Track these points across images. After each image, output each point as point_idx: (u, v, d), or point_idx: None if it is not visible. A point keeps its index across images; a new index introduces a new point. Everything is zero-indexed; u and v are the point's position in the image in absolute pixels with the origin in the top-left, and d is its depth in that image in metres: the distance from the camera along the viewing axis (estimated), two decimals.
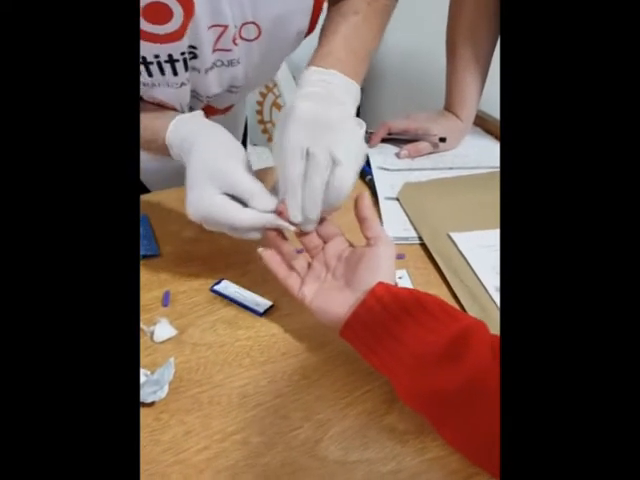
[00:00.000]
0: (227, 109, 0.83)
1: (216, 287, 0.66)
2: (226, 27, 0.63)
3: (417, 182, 0.85)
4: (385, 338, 0.51)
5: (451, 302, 0.64)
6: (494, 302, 0.62)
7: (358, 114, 0.61)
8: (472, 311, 0.61)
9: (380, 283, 0.53)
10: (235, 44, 0.66)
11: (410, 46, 1.57)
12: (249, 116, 1.19)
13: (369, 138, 0.94)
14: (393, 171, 0.88)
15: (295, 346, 0.59)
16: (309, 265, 0.60)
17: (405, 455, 0.49)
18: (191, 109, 0.74)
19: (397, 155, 0.92)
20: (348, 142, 0.55)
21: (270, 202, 0.57)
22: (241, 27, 0.65)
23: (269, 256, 0.60)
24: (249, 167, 0.59)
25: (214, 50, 0.65)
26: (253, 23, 0.65)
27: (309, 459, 0.48)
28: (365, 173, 0.87)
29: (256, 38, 0.67)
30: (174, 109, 0.70)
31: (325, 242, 0.60)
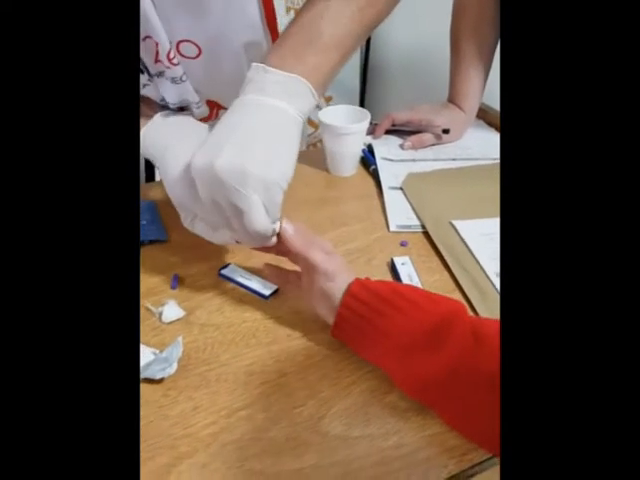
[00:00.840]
0: (205, 120, 0.75)
1: (223, 271, 0.67)
2: (157, 43, 0.59)
3: (421, 172, 0.86)
4: (371, 333, 0.52)
5: (452, 287, 0.66)
6: (494, 287, 0.63)
7: (362, 105, 0.60)
8: (472, 295, 0.63)
9: (355, 281, 0.54)
10: (172, 62, 0.62)
11: (413, 40, 1.59)
12: None
13: (373, 129, 0.95)
14: (397, 162, 0.89)
15: (300, 328, 0.61)
16: None
17: (406, 431, 0.50)
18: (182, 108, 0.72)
19: (401, 146, 0.93)
20: (243, 187, 0.51)
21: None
22: (178, 44, 0.62)
23: (271, 271, 0.63)
24: None
25: (156, 61, 0.62)
26: (189, 41, 0.62)
27: (312, 434, 0.50)
28: (369, 163, 0.88)
29: (197, 56, 0.64)
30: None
31: None
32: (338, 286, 0.55)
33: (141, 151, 0.64)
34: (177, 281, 0.67)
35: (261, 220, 0.53)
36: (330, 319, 0.57)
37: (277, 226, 0.56)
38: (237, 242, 0.60)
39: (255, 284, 0.66)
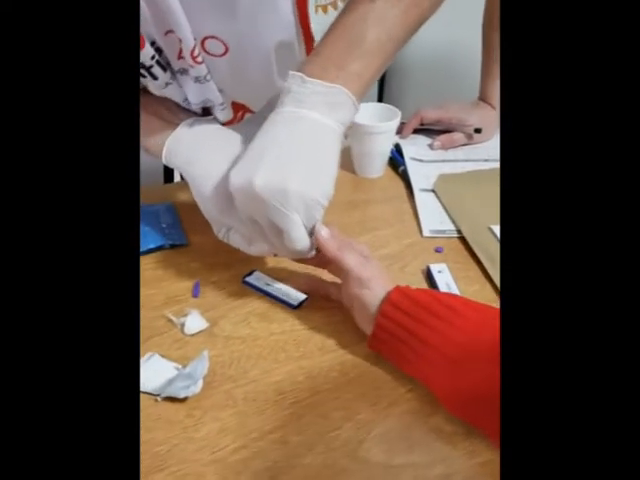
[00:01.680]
0: (229, 123, 0.70)
1: (248, 278, 0.63)
2: (180, 39, 0.55)
3: (454, 174, 0.82)
4: (412, 344, 0.49)
5: (494, 297, 0.61)
6: None
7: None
8: None
9: (395, 289, 0.51)
10: (196, 60, 0.57)
11: (435, 36, 1.54)
12: None
13: (401, 128, 0.91)
14: (426, 162, 0.85)
15: (332, 341, 0.57)
16: None
17: (454, 459, 0.46)
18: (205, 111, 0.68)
19: (430, 146, 0.89)
20: (283, 205, 0.50)
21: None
22: (203, 41, 0.57)
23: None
24: None
25: (179, 57, 0.58)
26: (215, 38, 0.57)
27: (351, 461, 0.46)
28: (398, 164, 0.84)
29: (224, 54, 0.59)
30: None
31: None
32: (373, 293, 0.51)
33: (164, 160, 0.62)
34: (199, 289, 0.63)
35: (301, 238, 0.51)
36: (367, 329, 0.53)
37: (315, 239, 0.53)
38: (275, 255, 0.58)
39: (282, 293, 0.61)
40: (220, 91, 0.62)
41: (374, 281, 0.52)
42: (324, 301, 0.60)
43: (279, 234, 0.51)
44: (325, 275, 0.60)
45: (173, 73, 0.59)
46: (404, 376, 0.52)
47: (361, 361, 0.54)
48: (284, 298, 0.61)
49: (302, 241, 0.52)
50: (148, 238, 0.69)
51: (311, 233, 0.53)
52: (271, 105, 0.55)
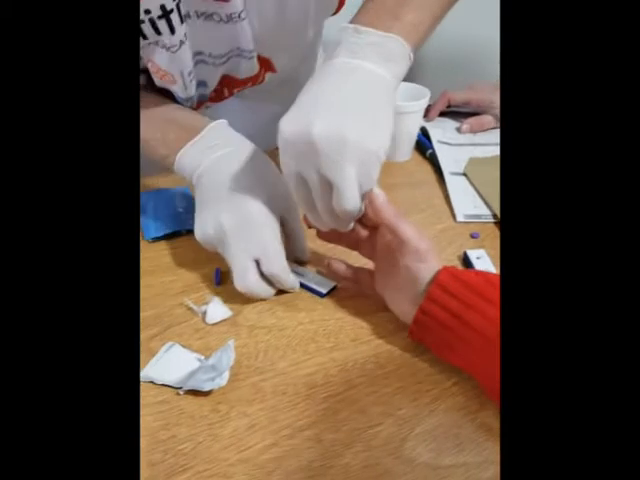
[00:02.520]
0: (251, 80, 0.69)
1: None
2: None
3: (485, 157, 0.77)
4: (460, 331, 0.44)
5: None
6: None
7: None
8: None
9: (443, 269, 0.47)
10: None
11: (451, 22, 1.49)
12: None
13: (426, 111, 0.87)
14: (454, 146, 0.81)
15: (365, 331, 0.52)
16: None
17: None
18: (201, 83, 0.64)
19: (457, 129, 0.85)
20: (341, 157, 0.44)
21: (293, 283, 0.55)
22: None
23: (336, 268, 0.55)
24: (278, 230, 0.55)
25: None
26: None
27: (395, 461, 0.41)
28: (425, 147, 0.80)
29: None
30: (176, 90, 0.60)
31: (376, 229, 0.52)
32: (429, 267, 0.47)
33: (175, 169, 0.58)
34: (220, 276, 0.58)
35: (353, 197, 0.46)
36: (408, 313, 0.48)
37: (363, 207, 0.48)
38: (309, 226, 0.53)
39: (309, 280, 0.57)
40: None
41: (431, 255, 0.48)
42: (354, 289, 0.56)
43: (328, 192, 0.46)
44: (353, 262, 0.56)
45: (190, 17, 0.55)
46: (447, 369, 0.48)
47: (399, 353, 0.50)
48: (311, 286, 0.57)
49: (354, 201, 0.46)
50: (164, 223, 0.64)
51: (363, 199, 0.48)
52: None
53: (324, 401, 0.46)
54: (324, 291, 0.56)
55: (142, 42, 0.54)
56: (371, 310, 0.54)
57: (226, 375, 0.46)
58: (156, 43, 0.54)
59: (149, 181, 0.72)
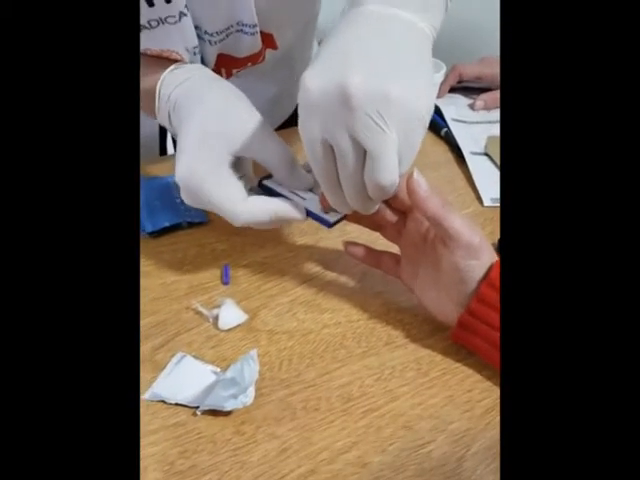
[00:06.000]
0: (251, 60, 0.62)
1: (266, 181, 0.49)
2: None
3: None
4: None
5: None
6: None
7: None
8: None
9: (497, 265, 0.41)
10: None
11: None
12: None
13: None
14: (470, 124, 0.75)
15: (399, 333, 0.47)
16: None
17: None
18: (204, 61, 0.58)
19: (470, 106, 0.79)
20: (381, 119, 0.37)
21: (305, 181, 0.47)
22: None
23: (354, 252, 0.50)
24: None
25: None
26: None
27: None
28: (439, 126, 0.74)
29: None
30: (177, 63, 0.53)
31: (404, 213, 0.46)
32: (483, 265, 0.41)
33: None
34: (229, 274, 0.52)
35: (393, 168, 0.38)
36: (450, 313, 0.43)
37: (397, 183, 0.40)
38: (326, 210, 0.46)
39: (312, 204, 0.47)
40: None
41: (484, 251, 0.41)
42: (382, 283, 0.50)
43: (359, 163, 0.38)
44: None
45: None
46: (497, 374, 0.42)
47: (440, 357, 0.44)
48: (317, 212, 0.47)
49: (392, 174, 0.38)
50: (162, 215, 0.57)
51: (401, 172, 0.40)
52: None
53: (364, 416, 0.40)
54: (332, 220, 0.47)
55: (145, 12, 0.47)
56: (402, 308, 0.48)
57: (251, 392, 0.40)
58: (157, 22, 0.48)
59: (140, 168, 0.65)
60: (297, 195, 0.47)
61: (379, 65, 0.37)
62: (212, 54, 0.57)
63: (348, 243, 0.50)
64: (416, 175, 0.42)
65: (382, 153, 0.37)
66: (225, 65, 0.61)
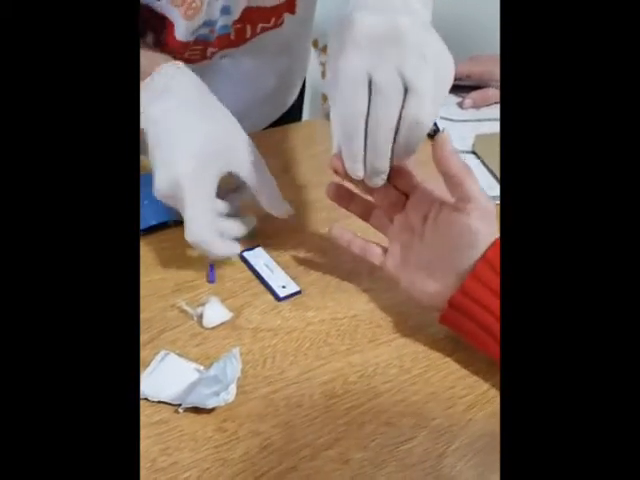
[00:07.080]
0: (276, 14, 0.62)
1: (246, 253, 0.53)
2: None
3: (493, 133, 0.72)
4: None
5: None
6: None
7: None
8: None
9: (497, 243, 0.41)
10: None
11: None
12: (309, 81, 0.91)
13: None
14: (458, 122, 0.75)
15: (384, 330, 0.47)
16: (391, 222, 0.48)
17: None
18: (225, 9, 0.58)
19: (459, 105, 0.79)
20: (425, 60, 0.40)
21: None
22: None
23: (339, 235, 0.50)
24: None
25: None
26: None
27: None
28: None
29: None
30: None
31: (406, 195, 0.47)
32: (494, 233, 0.42)
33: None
34: (215, 273, 0.52)
35: (431, 108, 0.40)
36: (438, 294, 0.43)
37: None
38: (335, 171, 0.44)
39: (274, 279, 0.51)
40: None
41: (494, 219, 0.42)
42: (368, 281, 0.50)
43: (399, 101, 0.39)
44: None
45: None
46: (481, 370, 0.43)
47: (424, 353, 0.45)
48: (272, 285, 0.50)
49: (431, 115, 0.40)
50: (148, 213, 0.57)
51: None
52: None
53: (346, 413, 0.40)
54: (282, 295, 0.49)
55: None
56: (387, 305, 0.49)
57: (233, 389, 0.40)
58: None
59: None
60: (267, 267, 0.52)
61: (417, 18, 0.41)
62: (240, 5, 0.58)
63: (335, 228, 0.50)
64: (446, 132, 0.43)
65: (427, 90, 0.39)
66: (250, 20, 0.61)
